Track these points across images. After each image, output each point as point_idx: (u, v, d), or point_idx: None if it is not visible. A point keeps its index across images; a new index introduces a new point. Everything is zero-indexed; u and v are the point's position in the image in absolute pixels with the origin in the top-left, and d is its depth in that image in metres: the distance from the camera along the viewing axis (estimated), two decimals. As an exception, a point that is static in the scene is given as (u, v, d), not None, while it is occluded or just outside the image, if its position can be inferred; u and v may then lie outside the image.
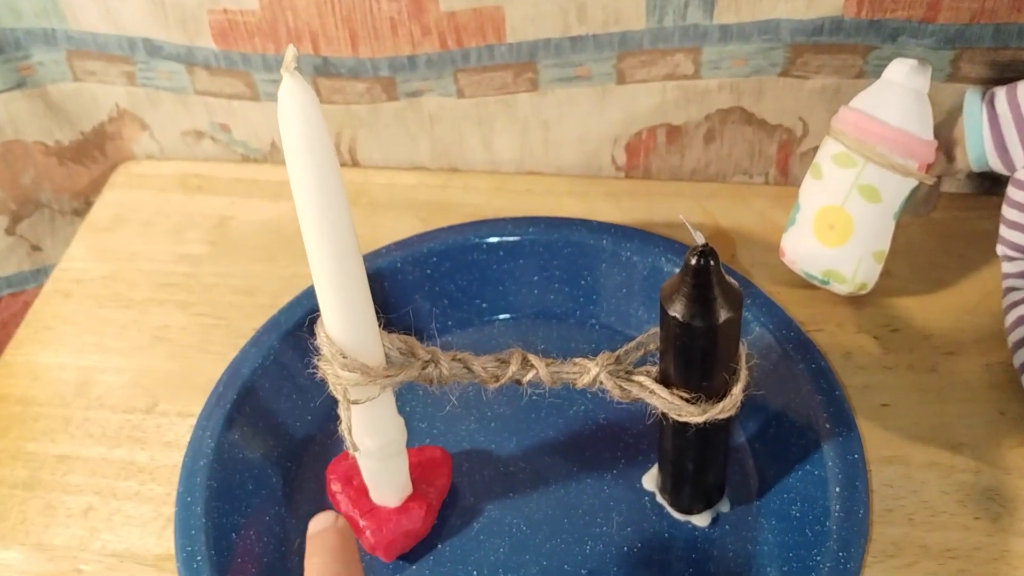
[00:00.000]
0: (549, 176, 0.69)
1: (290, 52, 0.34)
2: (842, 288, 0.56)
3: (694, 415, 0.43)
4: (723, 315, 0.41)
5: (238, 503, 0.50)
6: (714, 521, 0.50)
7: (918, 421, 0.53)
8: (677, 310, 0.41)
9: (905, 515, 0.50)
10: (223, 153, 0.72)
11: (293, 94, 0.34)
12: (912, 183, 0.54)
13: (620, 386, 0.45)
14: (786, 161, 0.66)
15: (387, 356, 0.43)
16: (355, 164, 0.71)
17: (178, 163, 0.72)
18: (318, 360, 0.43)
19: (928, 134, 0.53)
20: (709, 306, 0.40)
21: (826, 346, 0.56)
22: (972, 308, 0.58)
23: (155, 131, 0.71)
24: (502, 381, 0.45)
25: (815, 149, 0.64)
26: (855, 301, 0.59)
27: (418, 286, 0.59)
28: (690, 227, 0.40)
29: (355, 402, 0.43)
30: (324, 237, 0.38)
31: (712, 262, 0.40)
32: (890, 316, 0.58)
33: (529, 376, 0.45)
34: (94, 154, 0.73)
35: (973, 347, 0.56)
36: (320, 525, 0.41)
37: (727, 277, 0.41)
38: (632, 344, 0.45)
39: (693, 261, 0.40)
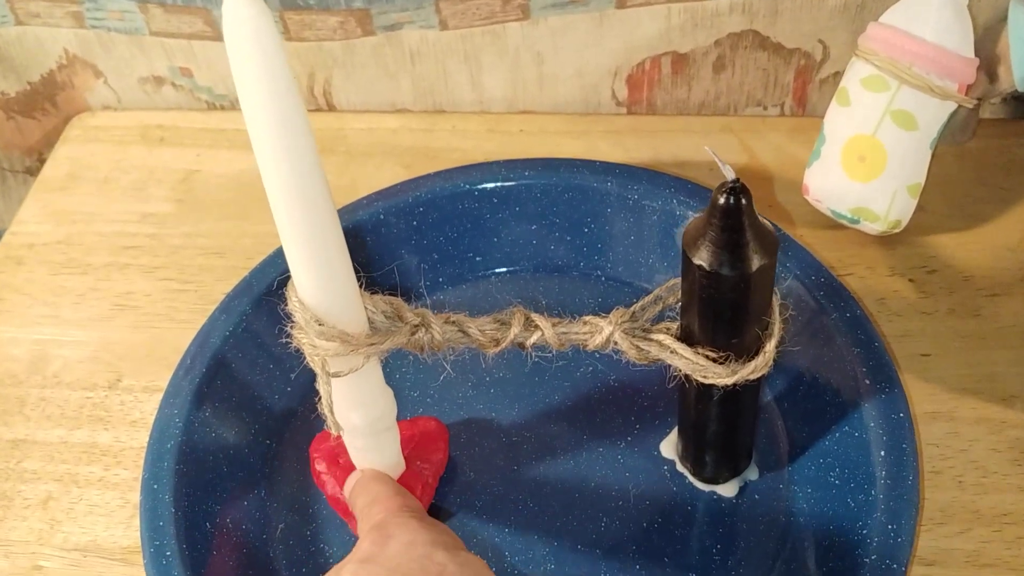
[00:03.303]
0: (544, 115, 0.63)
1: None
2: (874, 227, 0.51)
3: (722, 376, 0.38)
4: (756, 262, 0.35)
5: (212, 488, 0.45)
6: (741, 490, 0.45)
7: (963, 372, 0.48)
8: (703, 258, 0.36)
9: (954, 477, 0.45)
10: (186, 101, 0.66)
11: (238, 10, 0.28)
12: (951, 107, 0.49)
13: (637, 346, 0.39)
14: (804, 90, 0.60)
15: (370, 321, 0.38)
16: (331, 108, 0.65)
17: (137, 113, 0.67)
18: (292, 328, 0.37)
19: (968, 51, 0.48)
20: (740, 252, 0.35)
21: (857, 292, 0.51)
22: (1015, 244, 0.53)
23: (110, 78, 0.65)
24: (503, 345, 0.39)
25: (836, 75, 0.59)
26: (887, 241, 0.53)
27: (404, 240, 0.54)
28: (718, 160, 0.35)
29: (336, 375, 0.37)
30: (289, 185, 0.32)
31: (744, 200, 0.34)
32: (926, 256, 0.53)
33: (534, 339, 0.39)
34: (44, 106, 0.67)
35: (1019, 287, 0.51)
36: (353, 479, 0.43)
37: (760, 218, 0.36)
38: (649, 298, 0.40)
39: (722, 200, 0.34)
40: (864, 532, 0.40)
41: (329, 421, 0.38)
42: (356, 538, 0.44)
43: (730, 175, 0.34)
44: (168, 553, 0.42)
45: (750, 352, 0.38)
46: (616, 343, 0.39)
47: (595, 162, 0.54)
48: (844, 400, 0.45)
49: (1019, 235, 0.53)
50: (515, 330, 0.39)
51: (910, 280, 0.52)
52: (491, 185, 0.54)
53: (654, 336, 0.39)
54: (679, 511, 0.45)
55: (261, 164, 0.32)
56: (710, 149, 0.36)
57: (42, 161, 0.67)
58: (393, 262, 0.53)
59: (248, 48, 0.29)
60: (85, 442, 0.50)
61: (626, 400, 0.49)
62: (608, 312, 0.40)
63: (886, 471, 0.41)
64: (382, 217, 0.53)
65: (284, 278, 0.38)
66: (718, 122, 0.61)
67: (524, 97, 0.63)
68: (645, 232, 0.53)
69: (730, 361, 0.38)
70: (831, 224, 0.53)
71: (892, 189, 0.50)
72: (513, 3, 0.57)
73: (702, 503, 0.45)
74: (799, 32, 0.57)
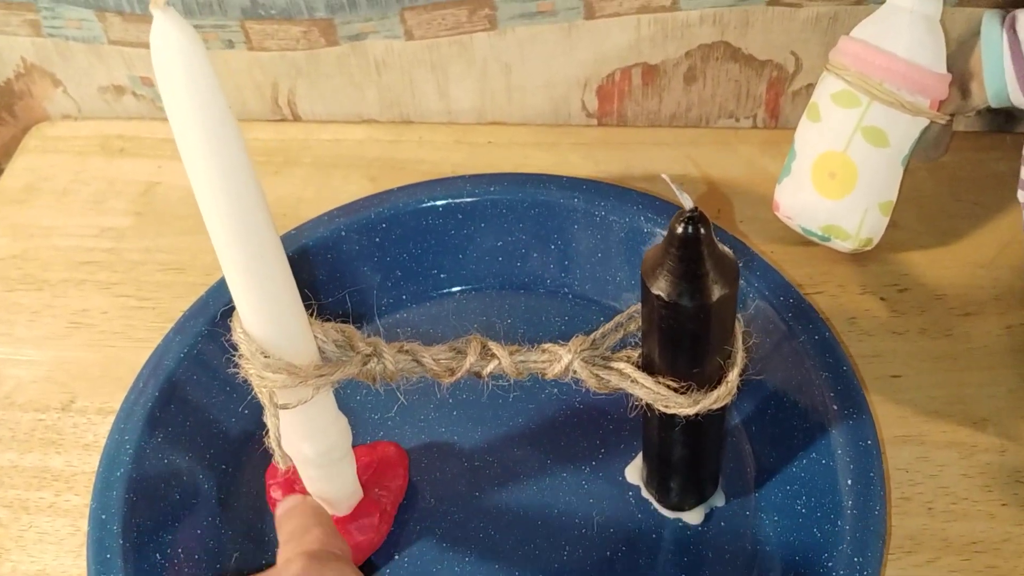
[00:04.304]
0: (512, 126, 0.62)
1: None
2: (845, 245, 0.50)
3: (684, 406, 0.37)
4: (716, 292, 0.34)
5: (163, 517, 0.44)
6: (707, 518, 0.44)
7: (933, 394, 0.47)
8: (661, 288, 0.34)
9: (923, 504, 0.44)
10: (148, 111, 0.64)
11: (167, 35, 0.27)
12: (923, 123, 0.48)
13: (597, 375, 0.38)
14: (776, 102, 0.59)
15: (321, 351, 0.37)
16: (296, 118, 0.64)
17: (97, 123, 0.65)
18: (238, 359, 0.36)
19: (941, 66, 0.47)
20: (699, 283, 0.34)
21: (827, 311, 0.50)
22: (989, 262, 0.52)
23: (69, 87, 0.64)
24: (458, 375, 0.38)
25: (809, 87, 0.58)
26: (858, 258, 0.52)
27: (367, 256, 0.53)
28: (675, 188, 0.33)
29: (284, 406, 0.36)
30: (226, 214, 0.31)
31: (703, 230, 0.33)
32: (898, 274, 0.52)
33: (490, 368, 0.38)
34: (2, 115, 0.65)
35: (992, 306, 0.50)
36: (290, 503, 0.42)
37: (720, 246, 0.34)
38: (610, 325, 0.39)
39: (679, 229, 0.33)
40: (830, 564, 0.39)
41: (277, 455, 0.37)
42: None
43: (688, 204, 0.33)
44: (115, 587, 0.40)
45: (712, 382, 0.37)
46: (575, 372, 0.38)
47: (562, 177, 0.53)
48: (811, 425, 0.44)
49: (993, 252, 0.52)
50: (471, 359, 0.38)
51: (881, 299, 0.51)
52: (456, 200, 0.53)
53: (614, 364, 0.38)
54: (644, 539, 0.44)
55: (197, 193, 0.31)
56: (667, 177, 0.35)
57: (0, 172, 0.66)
58: (355, 279, 0.52)
59: (175, 71, 0.28)
60: (36, 466, 0.49)
61: (591, 423, 0.47)
62: (575, 331, 0.39)
63: (852, 500, 0.40)
64: (343, 234, 0.52)
65: (233, 307, 0.36)
66: (689, 134, 0.60)
67: (492, 108, 0.61)
68: (612, 249, 0.52)
69: (692, 391, 0.37)
70: (802, 240, 0.52)
71: (863, 207, 0.49)
72: (480, 13, 0.56)
73: (667, 531, 0.44)
74: (771, 44, 0.56)
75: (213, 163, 0.30)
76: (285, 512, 0.41)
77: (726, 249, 0.35)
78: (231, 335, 0.36)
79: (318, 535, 0.39)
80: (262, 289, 0.34)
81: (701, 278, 0.34)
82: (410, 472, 0.46)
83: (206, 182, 0.30)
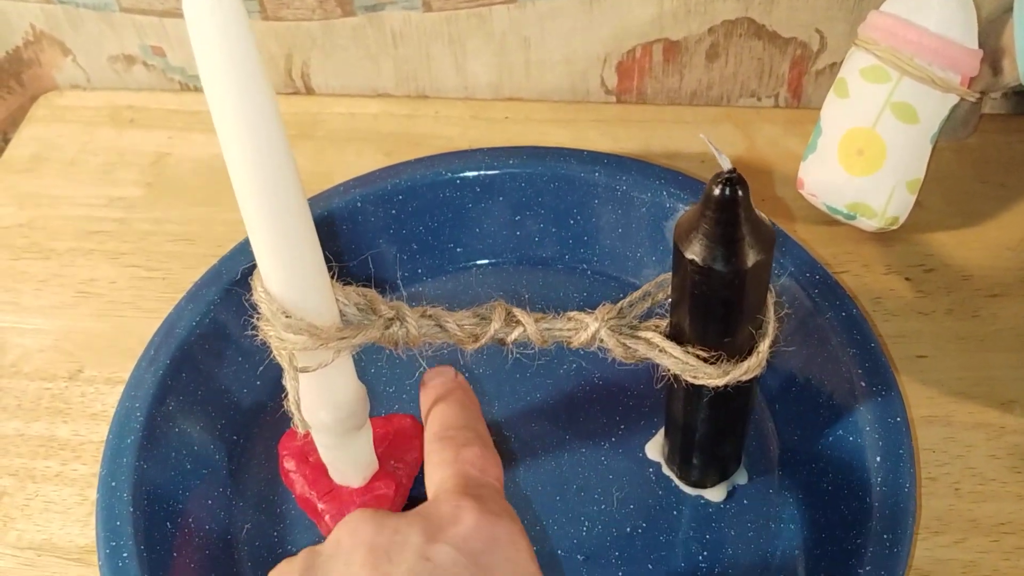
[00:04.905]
0: (530, 102, 0.61)
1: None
2: (871, 223, 0.49)
3: (713, 377, 0.36)
4: (752, 258, 0.33)
5: (174, 486, 0.43)
6: (730, 495, 0.43)
7: (960, 375, 0.46)
8: (696, 252, 0.33)
9: (950, 485, 0.43)
10: (158, 81, 0.63)
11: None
12: (952, 100, 0.47)
13: (624, 344, 0.37)
14: (799, 81, 0.58)
15: (342, 314, 0.36)
16: (308, 91, 0.63)
17: (107, 93, 0.64)
18: (257, 320, 0.35)
19: (972, 42, 0.46)
20: (735, 247, 0.33)
21: (852, 290, 0.49)
22: (1016, 244, 0.51)
23: (79, 57, 0.63)
24: (482, 341, 0.37)
25: (833, 67, 0.57)
26: (883, 238, 0.51)
27: (382, 229, 0.52)
28: (714, 148, 0.32)
29: (304, 370, 0.35)
30: (252, 163, 0.30)
31: (741, 192, 0.32)
32: (923, 254, 0.51)
33: (515, 335, 0.37)
34: (10, 84, 0.64)
35: (1019, 288, 0.49)
36: (439, 376, 0.39)
37: (757, 211, 0.34)
38: (637, 294, 0.38)
39: (717, 191, 0.32)
40: (858, 541, 0.38)
41: (296, 419, 0.36)
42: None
43: (726, 165, 0.32)
44: (125, 555, 0.39)
45: (743, 352, 0.36)
46: (602, 341, 0.37)
47: (582, 151, 0.52)
48: (838, 403, 0.43)
49: (1020, 234, 0.52)
50: (495, 325, 0.37)
51: (907, 279, 0.50)
52: (474, 173, 0.52)
53: (642, 334, 0.37)
54: (664, 516, 0.43)
55: (223, 141, 0.30)
56: (705, 137, 0.33)
57: (6, 141, 0.64)
58: (369, 252, 0.51)
59: (210, 24, 0.27)
60: (43, 435, 0.48)
61: (611, 399, 0.47)
62: (594, 308, 0.38)
63: (882, 477, 0.39)
64: (359, 205, 0.51)
65: (253, 266, 0.35)
66: (710, 112, 0.59)
67: (510, 83, 0.61)
68: (633, 225, 0.51)
69: (722, 361, 0.36)
70: (825, 220, 0.51)
71: (891, 184, 0.48)
72: (500, -15, 0.55)
73: (688, 508, 0.43)
74: (796, 21, 0.55)
75: (240, 111, 0.29)
76: (435, 386, 0.38)
77: (762, 214, 0.34)
78: (251, 295, 0.35)
79: (478, 454, 0.35)
80: (286, 247, 0.33)
81: (737, 242, 0.33)
82: (426, 446, 0.45)
83: (232, 128, 0.29)
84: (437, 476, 0.35)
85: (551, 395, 0.47)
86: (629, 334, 0.37)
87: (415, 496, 0.44)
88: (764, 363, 0.37)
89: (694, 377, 0.37)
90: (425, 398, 0.39)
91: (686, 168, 0.52)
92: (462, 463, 0.35)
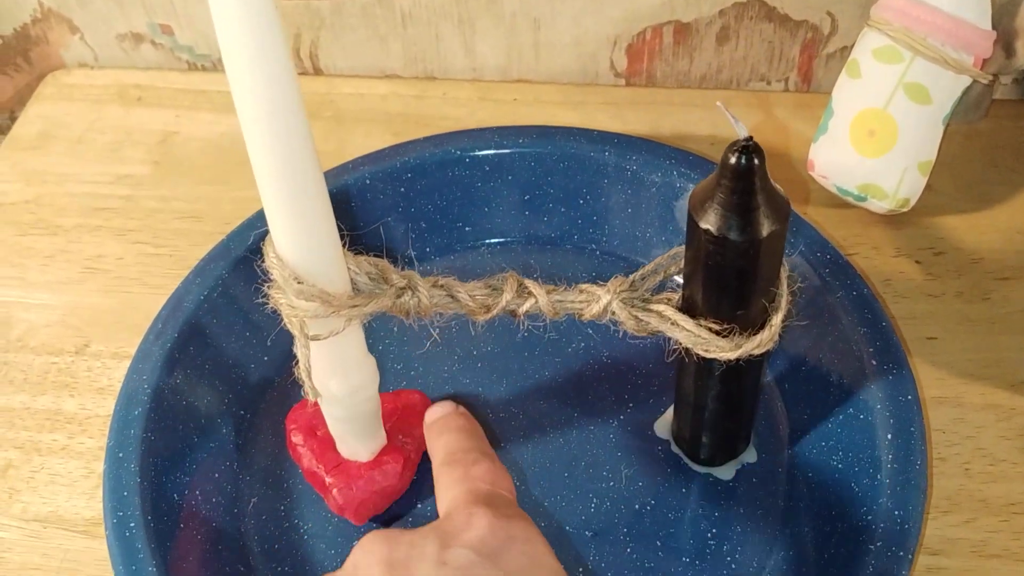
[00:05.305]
0: (539, 84, 0.61)
1: None
2: (881, 205, 0.48)
3: (725, 350, 0.36)
4: (767, 228, 0.33)
5: (181, 459, 0.43)
6: (739, 473, 0.43)
7: (970, 356, 0.46)
8: (711, 221, 0.33)
9: (960, 465, 0.43)
10: (166, 60, 0.63)
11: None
12: (965, 82, 0.47)
13: (636, 317, 0.37)
14: (809, 64, 0.58)
15: (353, 282, 0.36)
16: (317, 72, 0.62)
17: (115, 72, 0.64)
18: (269, 288, 0.35)
19: (986, 23, 0.46)
20: (751, 216, 0.33)
21: (862, 272, 0.49)
22: (1026, 227, 0.51)
23: (87, 35, 0.62)
24: (494, 312, 0.37)
25: (843, 50, 0.57)
26: (893, 220, 0.51)
27: (391, 207, 0.51)
28: (729, 116, 0.32)
29: (315, 338, 0.35)
30: (267, 130, 0.30)
31: (757, 161, 0.32)
32: (933, 237, 0.51)
33: (526, 306, 0.37)
34: (17, 61, 0.64)
35: (1029, 271, 0.49)
36: (440, 411, 0.41)
37: (772, 182, 0.33)
38: (649, 267, 0.38)
39: (733, 159, 0.32)
40: (869, 519, 0.38)
41: (306, 386, 0.36)
42: (332, 516, 0.42)
43: (743, 133, 0.32)
44: (132, 525, 0.39)
45: (755, 326, 0.36)
46: (614, 313, 0.37)
47: (592, 131, 0.52)
48: (849, 381, 0.43)
49: (1030, 218, 0.52)
50: (507, 296, 0.37)
51: (917, 262, 0.50)
52: (483, 152, 0.52)
53: (654, 306, 0.37)
54: (673, 494, 0.43)
55: (238, 103, 0.30)
56: (722, 105, 0.33)
57: (13, 119, 0.64)
58: (380, 223, 0.51)
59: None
60: (49, 409, 0.47)
61: (619, 377, 0.46)
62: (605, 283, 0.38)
63: (893, 455, 0.39)
64: (368, 182, 0.51)
65: (257, 234, 0.35)
66: (720, 96, 0.59)
67: (519, 65, 0.60)
68: (643, 205, 0.51)
69: (734, 334, 0.36)
70: (835, 202, 0.51)
71: (902, 166, 0.48)
72: (510, -35, 0.55)
73: (697, 486, 0.43)
74: (807, 4, 0.55)
75: (257, 75, 0.29)
76: (437, 423, 0.40)
77: (777, 185, 0.34)
78: (262, 261, 0.35)
79: (487, 469, 0.37)
80: (299, 212, 0.32)
81: (753, 211, 0.33)
82: (434, 422, 0.45)
83: (248, 88, 0.29)
84: (449, 495, 0.36)
85: (559, 373, 0.47)
86: (641, 307, 0.37)
87: (422, 470, 0.44)
88: (776, 337, 0.36)
89: (706, 350, 0.36)
90: (429, 434, 0.41)
91: (698, 148, 0.52)
92: (472, 480, 0.36)
